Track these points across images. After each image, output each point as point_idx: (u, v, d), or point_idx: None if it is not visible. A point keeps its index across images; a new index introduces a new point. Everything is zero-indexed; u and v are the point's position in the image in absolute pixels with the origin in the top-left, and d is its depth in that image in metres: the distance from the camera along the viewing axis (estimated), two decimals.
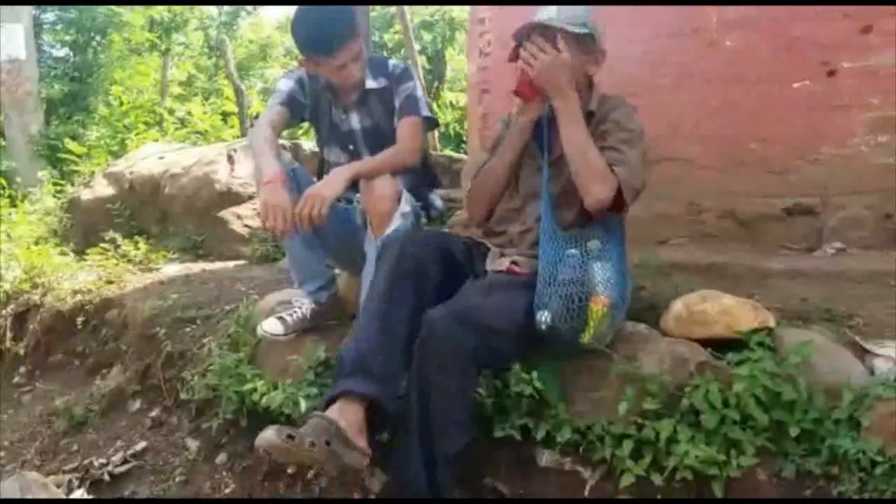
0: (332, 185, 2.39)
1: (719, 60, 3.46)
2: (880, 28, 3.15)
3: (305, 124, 3.19)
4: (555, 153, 2.29)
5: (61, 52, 9.24)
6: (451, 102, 10.75)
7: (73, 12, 9.04)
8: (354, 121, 2.76)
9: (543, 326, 2.05)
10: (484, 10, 4.02)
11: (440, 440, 1.95)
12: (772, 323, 2.10)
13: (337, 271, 2.96)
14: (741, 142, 3.44)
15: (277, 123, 2.69)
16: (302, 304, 2.77)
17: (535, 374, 2.11)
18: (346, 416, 1.97)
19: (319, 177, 2.86)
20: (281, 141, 3.71)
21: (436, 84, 11.17)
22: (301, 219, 2.32)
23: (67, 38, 9.23)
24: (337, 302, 2.84)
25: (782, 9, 3.28)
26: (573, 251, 2.12)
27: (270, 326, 2.68)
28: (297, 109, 2.76)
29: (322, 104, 2.78)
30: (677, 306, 2.20)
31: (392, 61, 2.77)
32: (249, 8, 14.78)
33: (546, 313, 2.04)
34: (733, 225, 3.40)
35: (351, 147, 2.80)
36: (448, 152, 9.50)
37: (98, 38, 9.06)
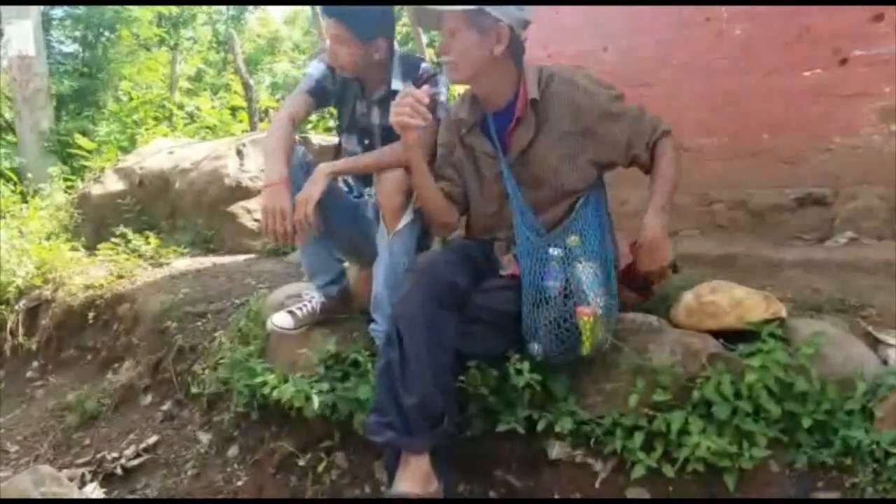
0: (313, 184, 2.39)
1: (729, 50, 3.44)
2: (892, 16, 3.11)
3: None
4: (513, 153, 2.20)
5: (70, 48, 9.28)
6: (459, 94, 10.68)
7: (81, 8, 9.06)
8: (375, 116, 2.75)
9: (537, 357, 2.07)
10: None
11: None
12: (783, 314, 2.08)
13: (347, 265, 2.96)
14: (752, 132, 3.42)
15: (299, 114, 2.67)
16: (312, 298, 2.77)
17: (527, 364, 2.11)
18: (417, 475, 1.97)
19: None
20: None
21: (441, 70, 11.10)
22: (296, 225, 2.32)
23: (76, 33, 9.24)
24: (347, 295, 2.84)
25: None
26: (556, 251, 2.09)
27: (280, 320, 2.68)
28: (323, 97, 2.73)
29: (349, 93, 2.77)
30: (688, 297, 2.18)
31: (424, 65, 2.75)
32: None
33: (537, 346, 2.05)
34: (745, 216, 3.39)
35: (367, 141, 2.80)
36: None
37: (107, 33, 9.06)
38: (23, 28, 7.89)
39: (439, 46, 2.14)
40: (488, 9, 2.02)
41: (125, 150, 7.55)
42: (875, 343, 2.11)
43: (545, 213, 2.20)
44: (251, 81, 7.68)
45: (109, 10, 8.92)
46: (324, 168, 2.43)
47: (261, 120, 8.44)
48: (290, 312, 2.71)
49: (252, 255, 4.76)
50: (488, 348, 2.15)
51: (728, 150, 3.48)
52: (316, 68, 2.72)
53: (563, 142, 2.15)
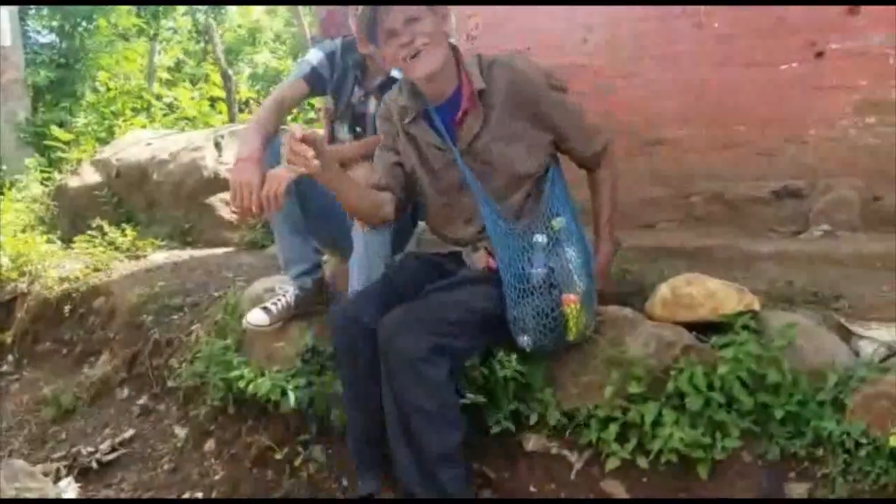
0: (291, 166, 2.36)
1: (706, 42, 3.44)
2: (868, 9, 3.13)
3: None
4: (461, 144, 2.12)
5: (47, 39, 9.14)
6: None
7: None
8: (371, 105, 2.75)
9: (527, 349, 2.07)
10: None
11: (429, 441, 1.91)
12: (757, 306, 2.09)
13: (326, 258, 2.95)
14: (729, 124, 3.43)
15: (290, 98, 2.68)
16: (286, 292, 2.75)
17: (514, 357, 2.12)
18: None
19: None
20: None
21: None
22: (264, 200, 2.27)
23: (53, 23, 9.11)
24: (322, 286, 2.82)
25: None
26: (541, 238, 2.06)
27: (255, 318, 2.66)
28: (318, 84, 2.73)
29: (347, 81, 2.77)
30: (663, 290, 2.19)
31: None
32: None
33: (526, 338, 2.05)
34: (722, 208, 3.41)
35: (359, 129, 2.79)
36: None
37: (84, 23, 8.94)
38: None
39: (398, 39, 1.98)
40: None
41: (103, 142, 7.47)
42: (847, 334, 2.12)
43: (503, 202, 2.14)
44: (231, 72, 7.61)
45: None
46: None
47: (240, 111, 8.39)
48: (265, 309, 2.69)
49: (230, 248, 4.72)
50: (474, 347, 2.11)
51: (706, 142, 3.48)
52: (314, 55, 2.75)
53: (510, 128, 2.10)
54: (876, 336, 2.06)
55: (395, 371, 1.92)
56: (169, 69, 10.03)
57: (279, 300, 2.73)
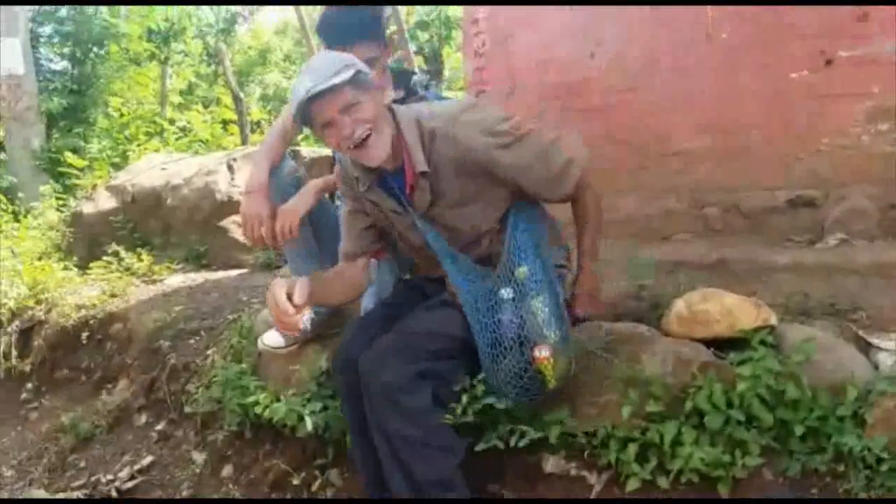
0: (302, 199, 2.41)
1: (715, 53, 3.44)
2: (877, 15, 3.11)
3: None
4: (418, 208, 2.06)
5: (59, 66, 9.23)
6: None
7: (69, 25, 9.04)
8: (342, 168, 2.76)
9: (507, 406, 2.04)
10: (478, 11, 4.01)
11: (420, 469, 1.89)
12: (774, 321, 2.07)
13: None
14: (741, 134, 3.42)
15: (291, 129, 2.68)
16: (303, 315, 2.75)
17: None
18: None
19: None
20: None
21: (433, 83, 11.14)
22: (277, 236, 2.33)
23: (65, 50, 9.22)
24: (338, 310, 2.83)
25: None
26: (506, 292, 1.99)
27: (271, 339, 2.68)
28: None
29: None
30: (679, 306, 2.17)
31: (416, 77, 2.75)
32: (246, 13, 14.81)
33: (503, 400, 2.02)
34: (738, 219, 3.38)
35: None
36: None
37: (95, 49, 9.03)
38: (11, 47, 7.87)
39: (338, 133, 1.91)
40: (360, 69, 1.90)
41: (117, 167, 7.54)
42: (866, 347, 2.10)
43: (470, 253, 2.10)
44: (241, 95, 7.66)
45: (98, 26, 8.90)
46: (314, 184, 2.44)
47: (252, 131, 8.45)
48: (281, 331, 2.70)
49: (244, 270, 4.75)
50: (458, 369, 2.07)
51: (718, 152, 3.47)
52: None
53: (465, 191, 2.02)
54: (895, 347, 2.04)
55: (377, 404, 1.91)
56: (181, 92, 10.11)
57: None
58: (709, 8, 3.44)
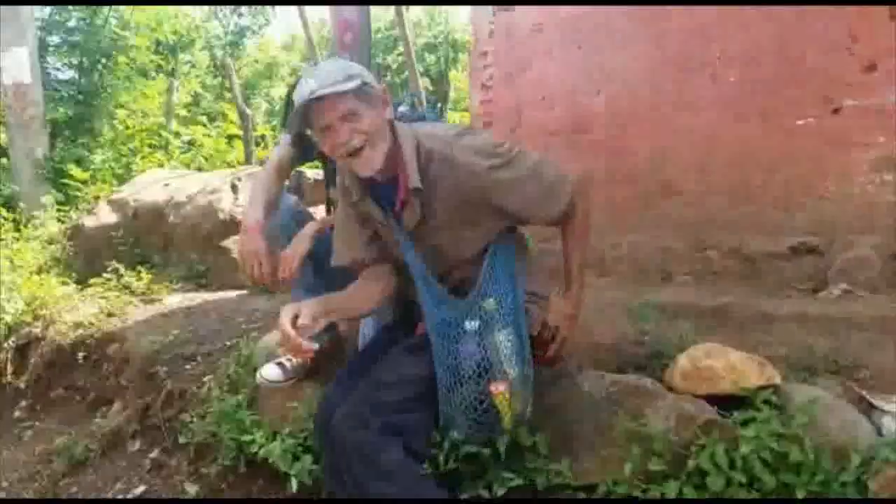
0: (300, 243, 2.42)
1: (722, 94, 3.46)
2: (885, 66, 3.13)
3: None
4: (406, 227, 2.05)
5: (66, 75, 9.25)
6: (454, 122, 10.79)
7: (78, 35, 9.07)
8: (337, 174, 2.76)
9: (458, 443, 2.01)
10: (486, 45, 4.02)
11: None
12: (778, 380, 2.06)
13: None
14: (746, 176, 3.43)
15: (286, 161, 2.69)
16: None
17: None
18: None
19: (328, 214, 2.89)
20: None
21: (439, 104, 11.19)
22: (281, 280, 2.36)
23: (73, 60, 9.24)
24: (338, 344, 2.81)
25: (786, 44, 3.27)
26: (472, 324, 1.98)
27: (269, 373, 2.65)
28: (306, 148, 2.75)
29: None
30: (683, 361, 2.16)
31: (402, 108, 2.75)
32: (256, 27, 14.88)
33: (456, 433, 2.00)
34: (739, 263, 3.38)
35: None
36: None
37: (103, 60, 9.06)
38: (19, 56, 7.89)
39: (334, 139, 1.91)
40: (367, 80, 1.90)
41: (120, 179, 7.54)
42: (869, 408, 2.08)
43: (452, 275, 2.10)
44: (248, 111, 7.68)
45: (107, 38, 8.93)
46: (312, 227, 2.45)
47: (257, 144, 8.45)
48: (280, 364, 2.68)
49: (244, 291, 4.72)
50: (429, 417, 2.03)
51: (721, 194, 3.48)
52: None
53: (459, 216, 2.02)
54: None
55: (350, 465, 1.88)
56: (186, 106, 10.12)
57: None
58: (717, 48, 3.45)
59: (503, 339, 1.98)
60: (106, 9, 8.99)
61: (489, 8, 3.98)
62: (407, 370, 2.03)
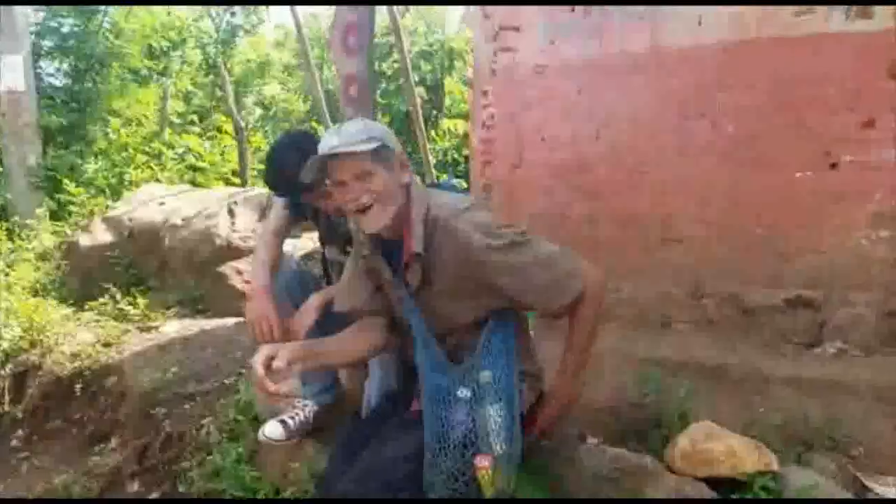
0: (306, 316, 2.46)
1: (722, 143, 3.46)
2: (882, 123, 3.16)
3: None
4: (410, 286, 2.08)
5: (60, 81, 9.17)
6: (448, 129, 10.79)
7: (71, 41, 8.99)
8: (351, 221, 2.78)
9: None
10: (487, 84, 4.03)
11: None
12: (775, 466, 2.10)
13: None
14: (746, 227, 3.44)
15: (282, 227, 2.76)
16: (305, 406, 2.77)
17: None
18: None
19: (325, 272, 2.92)
20: None
21: (434, 112, 11.19)
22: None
23: (66, 66, 9.18)
24: (341, 402, 2.84)
25: (786, 98, 3.29)
26: (463, 393, 2.00)
27: (272, 431, 2.68)
28: (299, 212, 2.81)
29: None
30: (683, 442, 2.19)
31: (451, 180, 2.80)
32: (248, 26, 14.75)
33: (432, 495, 2.01)
34: (735, 313, 3.41)
35: (348, 248, 2.82)
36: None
37: (97, 66, 8.98)
38: (13, 63, 7.84)
39: (345, 195, 1.99)
40: (386, 142, 1.99)
41: (113, 190, 7.52)
42: (863, 489, 2.13)
43: (448, 340, 2.11)
44: (242, 123, 7.66)
45: (101, 44, 8.87)
46: (317, 299, 2.47)
47: (253, 150, 8.43)
48: (283, 422, 2.71)
49: (240, 318, 4.72)
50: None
51: (720, 242, 3.50)
52: None
53: (452, 287, 2.04)
54: (889, 492, 2.07)
55: None
56: (181, 114, 10.04)
57: (297, 414, 2.75)
58: (717, 99, 3.47)
59: (493, 414, 1.99)
60: (100, 15, 8.93)
61: (491, 47, 3.98)
62: (402, 449, 2.04)
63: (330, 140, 1.96)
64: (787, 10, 3.32)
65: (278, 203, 2.78)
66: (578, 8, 3.77)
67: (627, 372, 2.97)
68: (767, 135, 3.37)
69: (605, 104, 3.73)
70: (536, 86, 3.89)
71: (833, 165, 3.26)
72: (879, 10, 3.17)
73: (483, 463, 1.94)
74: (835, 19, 3.24)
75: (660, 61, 3.58)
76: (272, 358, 1.87)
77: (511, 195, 4.02)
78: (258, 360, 1.87)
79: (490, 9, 4.04)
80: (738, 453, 2.10)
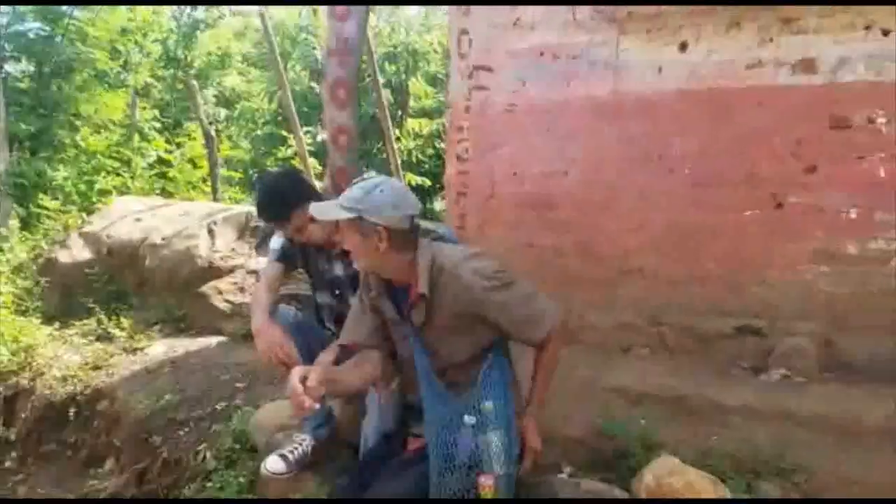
0: (317, 389, 2.64)
1: (679, 185, 3.77)
2: (824, 169, 3.48)
3: None
4: (414, 324, 2.34)
5: (25, 85, 9.07)
6: (412, 130, 11.00)
7: (37, 45, 8.91)
8: (338, 268, 3.05)
9: None
10: (462, 119, 4.27)
11: None
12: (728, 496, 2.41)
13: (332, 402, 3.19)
14: (700, 260, 3.76)
15: (275, 279, 3.05)
16: (303, 441, 3.00)
17: None
18: None
19: (317, 317, 3.14)
20: None
21: (399, 113, 11.37)
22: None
23: (31, 68, 9.13)
24: (337, 435, 3.08)
25: (737, 144, 3.61)
26: (469, 419, 2.27)
27: (273, 465, 2.90)
28: (290, 262, 3.08)
29: (311, 254, 3.08)
30: (648, 478, 2.49)
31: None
32: (210, 21, 14.68)
33: None
34: (690, 340, 3.73)
35: (337, 292, 3.07)
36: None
37: (62, 70, 8.94)
38: None
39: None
40: (365, 216, 2.22)
41: (84, 198, 7.56)
42: None
43: (445, 375, 2.37)
44: (213, 132, 7.76)
45: (68, 49, 8.83)
46: (324, 360, 2.68)
47: (224, 160, 8.48)
48: (283, 456, 2.93)
49: (224, 338, 4.90)
50: None
51: (675, 275, 3.81)
52: (276, 242, 3.10)
53: (451, 324, 2.32)
54: None
55: None
56: (148, 121, 10.00)
57: (296, 448, 2.97)
58: (674, 144, 3.77)
59: (495, 440, 2.28)
60: (65, 20, 8.87)
61: (466, 84, 4.22)
62: (404, 485, 2.31)
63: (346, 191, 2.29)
64: (740, 63, 3.63)
65: (271, 257, 3.02)
66: (547, 53, 4.04)
67: (593, 402, 3.26)
68: (720, 177, 3.68)
69: (571, 144, 4.01)
70: (508, 123, 4.15)
71: (779, 206, 3.59)
72: (823, 66, 3.50)
73: (487, 482, 2.22)
74: (782, 73, 3.56)
75: (622, 106, 3.87)
76: (305, 378, 2.12)
77: (484, 225, 4.29)
78: (295, 379, 2.10)
79: (465, 48, 4.28)
80: (695, 487, 2.40)
